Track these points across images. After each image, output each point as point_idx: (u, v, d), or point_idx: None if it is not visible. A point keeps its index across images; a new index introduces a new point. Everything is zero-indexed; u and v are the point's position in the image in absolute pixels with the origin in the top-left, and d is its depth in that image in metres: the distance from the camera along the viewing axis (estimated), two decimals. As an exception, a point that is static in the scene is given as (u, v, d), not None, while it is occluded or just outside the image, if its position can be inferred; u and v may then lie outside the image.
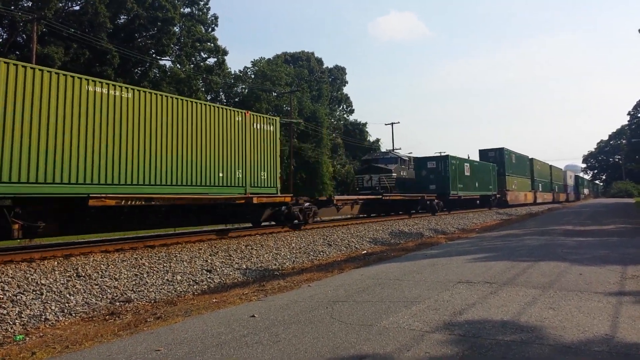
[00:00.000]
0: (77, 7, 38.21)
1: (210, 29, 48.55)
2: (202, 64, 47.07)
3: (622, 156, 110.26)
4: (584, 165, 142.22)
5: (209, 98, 47.34)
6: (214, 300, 7.77)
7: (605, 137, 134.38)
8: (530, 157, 54.28)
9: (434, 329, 5.31)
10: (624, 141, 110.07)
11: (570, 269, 9.10)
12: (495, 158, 42.94)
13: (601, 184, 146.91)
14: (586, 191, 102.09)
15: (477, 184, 36.50)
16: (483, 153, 44.38)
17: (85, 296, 8.28)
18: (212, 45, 47.17)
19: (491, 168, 40.07)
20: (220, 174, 14.38)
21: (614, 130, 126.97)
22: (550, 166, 65.49)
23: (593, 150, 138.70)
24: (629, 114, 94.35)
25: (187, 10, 46.68)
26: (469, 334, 5.05)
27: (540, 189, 57.13)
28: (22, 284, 8.22)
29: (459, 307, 6.27)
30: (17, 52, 34.27)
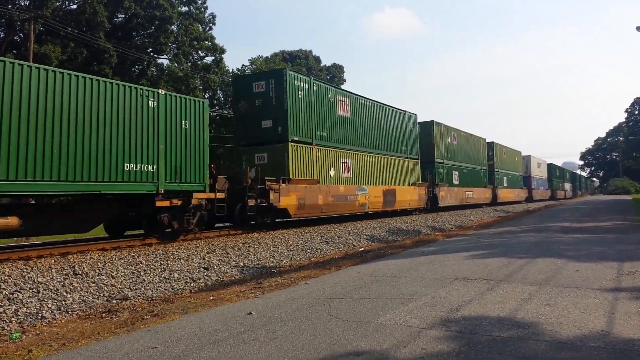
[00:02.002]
0: (75, 6, 38.07)
1: (207, 28, 48.41)
2: (199, 62, 46.95)
3: (620, 153, 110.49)
4: (581, 162, 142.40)
5: (206, 96, 47.23)
6: (211, 298, 7.77)
7: (603, 134, 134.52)
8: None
9: (431, 325, 5.32)
10: (621, 138, 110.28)
11: (566, 265, 9.12)
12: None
13: (597, 180, 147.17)
14: (568, 187, 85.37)
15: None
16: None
17: (82, 294, 8.27)
18: (210, 43, 47.02)
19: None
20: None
21: (612, 128, 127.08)
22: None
23: (590, 147, 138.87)
24: (626, 111, 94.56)
25: (185, 9, 46.53)
26: (466, 331, 5.06)
27: (506, 184, 44.62)
28: (18, 282, 8.20)
29: (455, 304, 6.28)
30: (14, 51, 34.14)
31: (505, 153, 46.31)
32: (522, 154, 55.36)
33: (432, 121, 31.14)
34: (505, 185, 44.50)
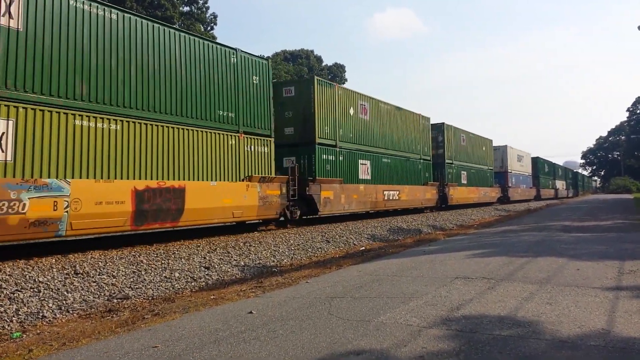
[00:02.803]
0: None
1: (209, 28, 48.50)
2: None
3: (621, 152, 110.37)
4: (582, 161, 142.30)
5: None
6: (212, 297, 7.77)
7: (604, 134, 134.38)
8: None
9: (431, 324, 5.31)
10: (622, 137, 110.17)
11: (567, 264, 9.11)
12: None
13: (599, 179, 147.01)
14: (560, 185, 76.39)
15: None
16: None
17: (83, 293, 8.27)
18: (211, 43, 47.08)
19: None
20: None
21: (613, 127, 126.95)
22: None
23: (592, 146, 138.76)
24: (628, 110, 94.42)
25: (187, 8, 46.62)
26: (466, 329, 5.06)
27: (465, 181, 35.79)
28: (19, 281, 8.21)
29: (456, 303, 6.27)
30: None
31: (466, 140, 36.87)
32: (495, 144, 46.30)
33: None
34: (464, 182, 35.53)
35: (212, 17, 48.65)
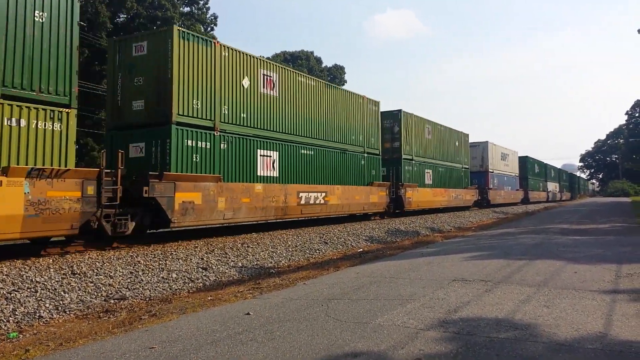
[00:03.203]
0: (75, 5, 38.10)
1: (209, 28, 48.44)
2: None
3: (619, 156, 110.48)
4: (581, 164, 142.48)
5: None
6: (209, 298, 7.76)
7: (603, 137, 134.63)
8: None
9: (429, 326, 5.31)
10: (621, 141, 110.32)
11: (565, 267, 9.12)
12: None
13: (596, 182, 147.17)
14: (552, 187, 70.57)
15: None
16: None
17: (80, 294, 8.26)
18: (211, 44, 47.08)
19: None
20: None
21: (612, 130, 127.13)
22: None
23: (590, 149, 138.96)
24: (626, 113, 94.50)
25: (187, 9, 46.55)
26: (464, 332, 5.06)
27: (430, 181, 29.87)
28: (16, 281, 8.19)
29: (453, 305, 6.27)
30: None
31: (432, 132, 30.81)
32: (475, 140, 40.79)
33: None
34: (428, 182, 29.63)
35: (212, 17, 48.63)
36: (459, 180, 35.21)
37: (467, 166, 37.20)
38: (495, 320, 5.49)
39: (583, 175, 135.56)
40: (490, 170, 42.07)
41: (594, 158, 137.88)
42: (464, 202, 35.47)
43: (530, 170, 57.68)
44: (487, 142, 42.29)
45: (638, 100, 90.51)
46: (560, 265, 9.38)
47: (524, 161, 55.69)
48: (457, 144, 35.10)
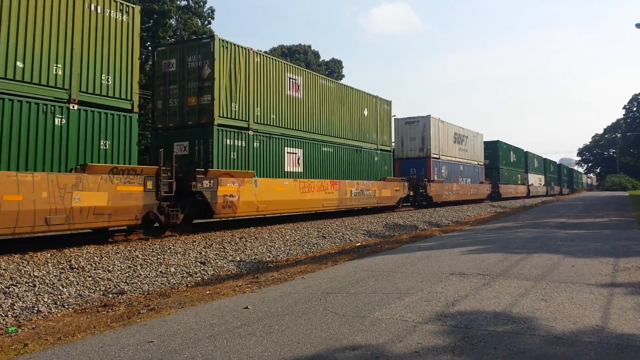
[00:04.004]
0: None
1: (206, 22, 48.27)
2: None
3: (617, 150, 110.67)
4: (578, 159, 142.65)
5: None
6: (208, 292, 7.77)
7: (601, 131, 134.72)
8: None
9: (427, 320, 5.33)
10: (618, 135, 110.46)
11: (562, 261, 9.14)
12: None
13: (594, 177, 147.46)
14: (534, 180, 60.88)
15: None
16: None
17: (78, 288, 8.27)
18: (208, 37, 46.95)
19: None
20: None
21: (609, 124, 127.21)
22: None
23: (588, 143, 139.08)
24: (624, 107, 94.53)
25: (184, 2, 46.38)
26: (461, 325, 5.07)
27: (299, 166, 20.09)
28: (14, 275, 8.19)
29: (451, 299, 6.29)
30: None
31: (344, 97, 22.15)
32: (413, 116, 31.61)
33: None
34: (297, 171, 18.97)
35: (209, 11, 48.45)
36: (370, 167, 24.12)
37: (387, 148, 26.09)
38: (493, 313, 5.51)
39: (580, 170, 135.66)
40: (434, 156, 31.31)
41: (592, 152, 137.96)
42: (377, 201, 23.95)
43: (503, 158, 47.23)
44: (428, 116, 31.07)
45: (636, 95, 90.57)
46: (557, 259, 9.40)
47: (494, 147, 45.46)
48: (365, 112, 24.01)
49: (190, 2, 46.94)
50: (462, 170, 36.61)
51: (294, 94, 18.32)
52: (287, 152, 17.86)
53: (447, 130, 34.13)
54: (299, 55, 72.84)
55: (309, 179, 18.67)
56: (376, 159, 24.52)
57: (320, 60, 79.12)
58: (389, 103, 26.21)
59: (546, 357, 4.11)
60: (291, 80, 18.27)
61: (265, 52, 59.68)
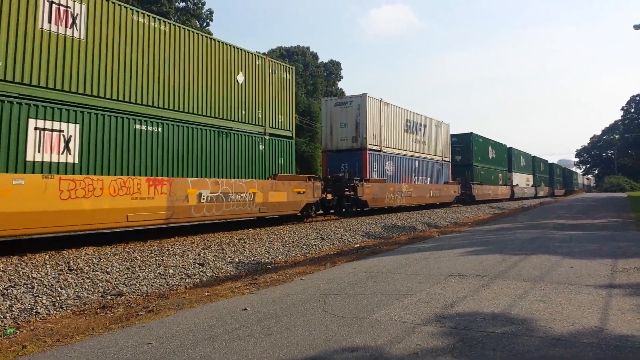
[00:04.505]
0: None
1: (205, 24, 48.34)
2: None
3: (615, 151, 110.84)
4: (576, 160, 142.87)
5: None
6: (206, 294, 7.76)
7: (599, 132, 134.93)
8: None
9: (425, 321, 5.33)
10: (617, 136, 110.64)
11: (561, 262, 9.15)
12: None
13: (593, 178, 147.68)
14: (520, 180, 53.93)
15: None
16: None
17: (77, 290, 8.25)
18: (206, 39, 46.99)
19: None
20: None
21: (607, 126, 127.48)
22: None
23: (586, 145, 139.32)
24: (622, 109, 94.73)
25: (182, 4, 46.45)
26: (460, 327, 5.07)
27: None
28: (13, 277, 8.18)
29: (450, 300, 6.29)
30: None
31: (191, 51, 14.76)
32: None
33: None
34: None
35: (208, 13, 48.55)
36: (251, 161, 16.83)
37: (285, 133, 18.60)
38: (492, 315, 5.51)
39: (579, 171, 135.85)
40: (372, 147, 24.08)
41: (590, 154, 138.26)
42: (262, 209, 16.49)
43: (477, 154, 39.49)
44: (365, 95, 23.82)
45: (634, 96, 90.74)
46: (556, 260, 9.41)
47: (467, 141, 38.44)
48: (241, 79, 16.73)
49: (189, 3, 47.00)
50: (417, 167, 29.19)
51: (60, 31, 11.08)
52: (35, 128, 10.46)
53: (394, 116, 26.53)
54: (297, 57, 72.85)
55: (93, 175, 11.41)
56: (262, 147, 17.14)
57: (319, 62, 79.13)
58: (289, 70, 19.24)
59: (545, 358, 4.12)
60: (55, 6, 10.97)
61: (264, 53, 59.67)
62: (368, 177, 23.17)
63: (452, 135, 36.49)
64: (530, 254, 10.25)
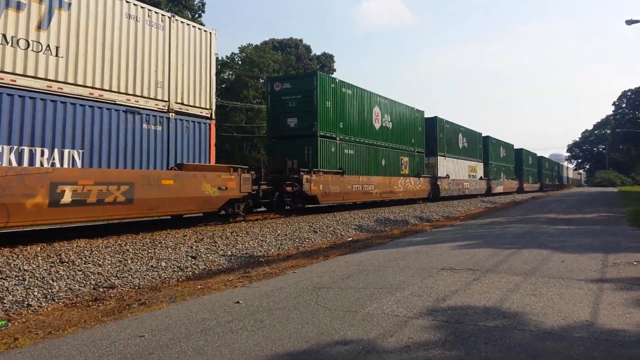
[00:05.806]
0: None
1: (197, 15, 48.03)
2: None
3: (606, 146, 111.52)
4: (568, 155, 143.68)
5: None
6: (199, 287, 7.76)
7: (590, 127, 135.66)
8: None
9: (417, 315, 5.35)
10: (608, 131, 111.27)
11: (552, 256, 9.21)
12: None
13: (584, 172, 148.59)
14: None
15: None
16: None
17: (69, 282, 8.21)
18: (199, 30, 46.69)
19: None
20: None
21: (599, 121, 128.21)
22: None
23: (577, 139, 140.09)
24: (613, 104, 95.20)
25: (174, -5, 46.11)
26: (452, 320, 5.10)
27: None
28: (4, 269, 8.13)
29: (442, 294, 6.32)
30: None
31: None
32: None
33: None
34: None
35: (200, 4, 48.24)
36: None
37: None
38: (484, 308, 5.54)
39: (570, 166, 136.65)
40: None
41: (581, 148, 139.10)
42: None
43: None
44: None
45: (625, 92, 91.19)
46: (547, 254, 9.47)
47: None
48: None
49: (181, -6, 46.69)
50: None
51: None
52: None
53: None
54: (290, 49, 72.56)
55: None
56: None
57: (312, 54, 78.85)
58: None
59: (536, 351, 4.15)
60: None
61: (256, 45, 59.34)
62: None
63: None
64: (521, 248, 10.31)
